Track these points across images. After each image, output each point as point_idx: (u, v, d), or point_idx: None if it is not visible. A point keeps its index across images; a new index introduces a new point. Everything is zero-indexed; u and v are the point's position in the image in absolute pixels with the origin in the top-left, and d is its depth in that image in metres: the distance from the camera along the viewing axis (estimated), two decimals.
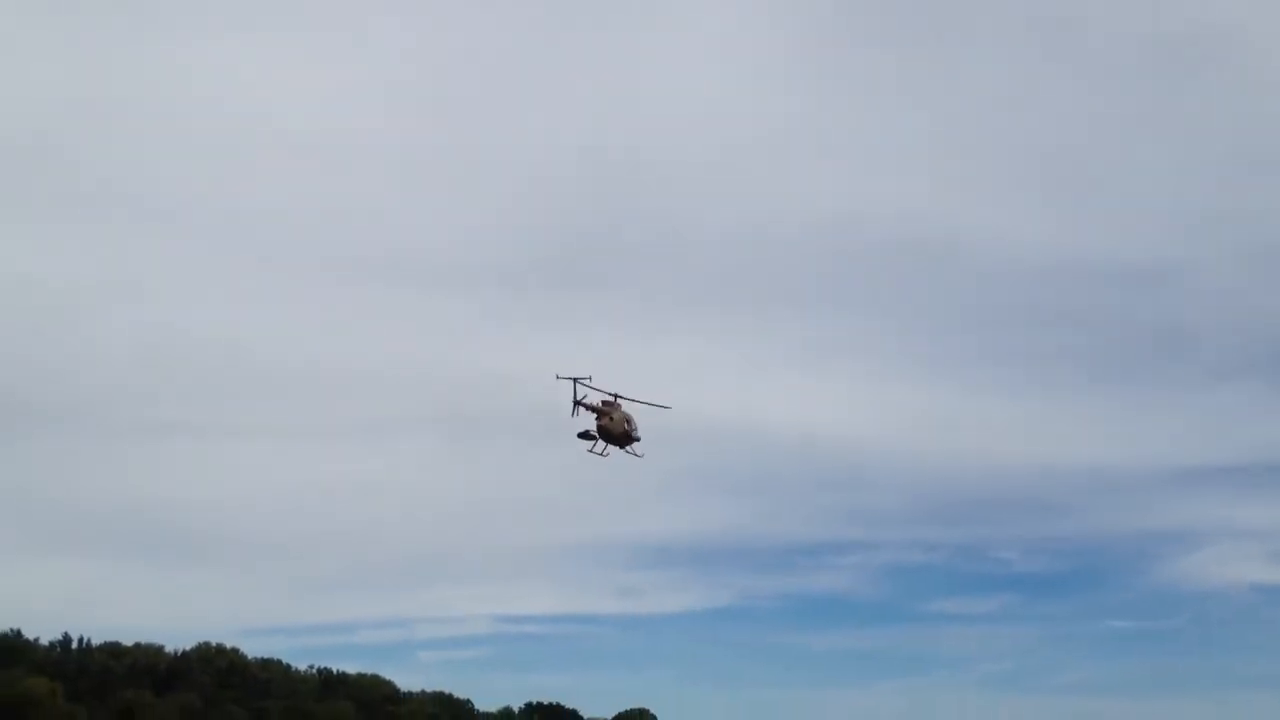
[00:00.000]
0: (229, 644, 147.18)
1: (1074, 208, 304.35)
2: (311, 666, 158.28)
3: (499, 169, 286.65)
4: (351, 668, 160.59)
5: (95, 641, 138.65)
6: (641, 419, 55.56)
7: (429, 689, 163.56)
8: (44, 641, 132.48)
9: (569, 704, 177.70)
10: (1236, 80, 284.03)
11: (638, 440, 55.20)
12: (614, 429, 54.10)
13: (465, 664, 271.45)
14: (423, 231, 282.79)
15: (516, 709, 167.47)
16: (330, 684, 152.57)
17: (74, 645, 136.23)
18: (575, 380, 52.79)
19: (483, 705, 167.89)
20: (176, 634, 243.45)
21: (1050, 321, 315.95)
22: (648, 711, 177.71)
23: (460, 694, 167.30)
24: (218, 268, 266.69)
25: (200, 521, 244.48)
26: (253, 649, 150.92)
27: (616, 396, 54.72)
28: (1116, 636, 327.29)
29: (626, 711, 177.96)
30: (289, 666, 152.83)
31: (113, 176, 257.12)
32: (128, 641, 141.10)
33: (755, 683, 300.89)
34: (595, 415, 53.94)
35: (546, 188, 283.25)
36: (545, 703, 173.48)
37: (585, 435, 54.50)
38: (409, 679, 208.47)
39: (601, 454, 55.32)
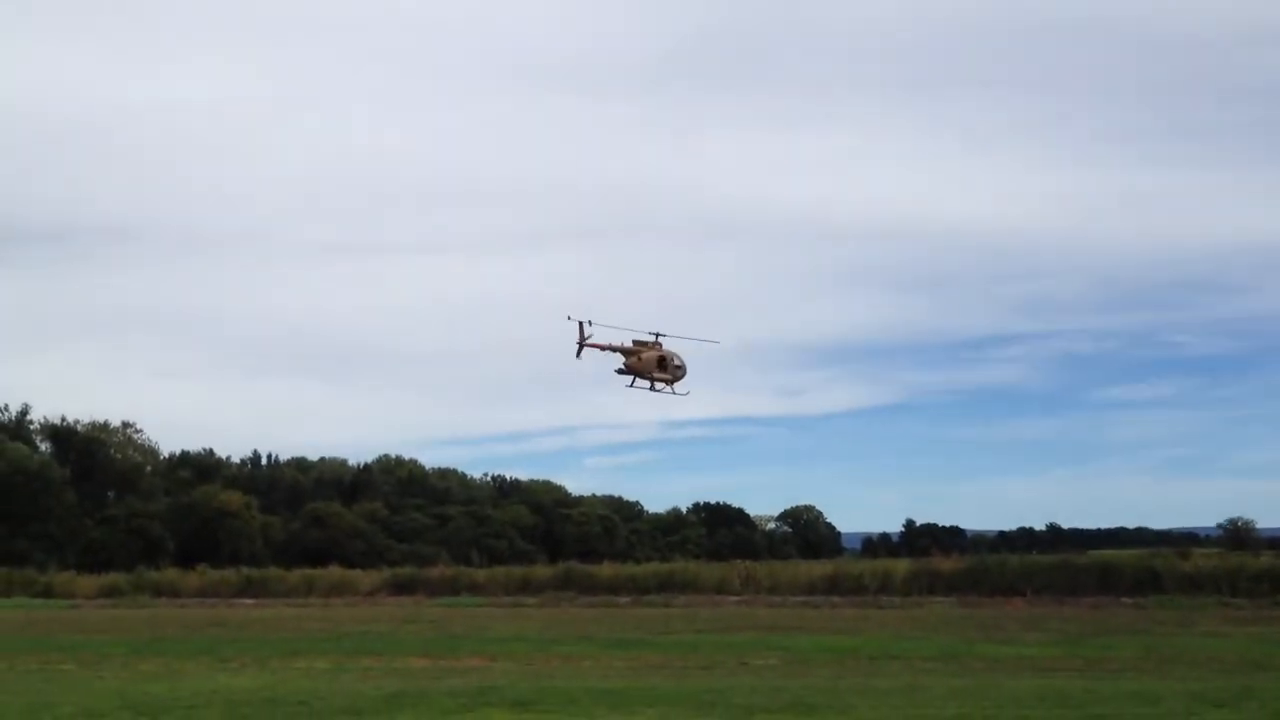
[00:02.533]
0: (408, 455, 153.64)
1: None
2: (486, 475, 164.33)
3: None
4: (524, 476, 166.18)
5: (283, 458, 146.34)
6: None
7: (599, 493, 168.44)
8: (235, 459, 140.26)
9: (735, 504, 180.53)
10: None
11: (679, 378, 54.24)
12: (641, 368, 53.68)
13: (633, 469, 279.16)
14: (574, 36, 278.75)
15: (685, 509, 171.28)
16: (505, 490, 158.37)
17: (263, 462, 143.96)
18: (582, 323, 51.62)
19: (652, 507, 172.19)
20: (358, 448, 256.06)
21: (1234, 92, 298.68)
22: (813, 508, 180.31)
23: (630, 496, 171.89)
24: (366, 80, 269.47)
25: (372, 340, 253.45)
26: (430, 460, 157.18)
27: (658, 336, 53.56)
28: None
29: (792, 508, 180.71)
30: (465, 475, 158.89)
31: None
32: (313, 457, 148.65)
33: (922, 477, 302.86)
34: (623, 355, 52.81)
35: None
36: (712, 503, 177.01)
37: (622, 372, 53.49)
38: (579, 483, 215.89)
39: (650, 388, 54.39)
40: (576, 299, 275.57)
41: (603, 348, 53.20)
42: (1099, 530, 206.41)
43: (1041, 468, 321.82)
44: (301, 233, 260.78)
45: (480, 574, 71.65)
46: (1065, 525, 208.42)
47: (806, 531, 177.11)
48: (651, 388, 54.40)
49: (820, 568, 70.49)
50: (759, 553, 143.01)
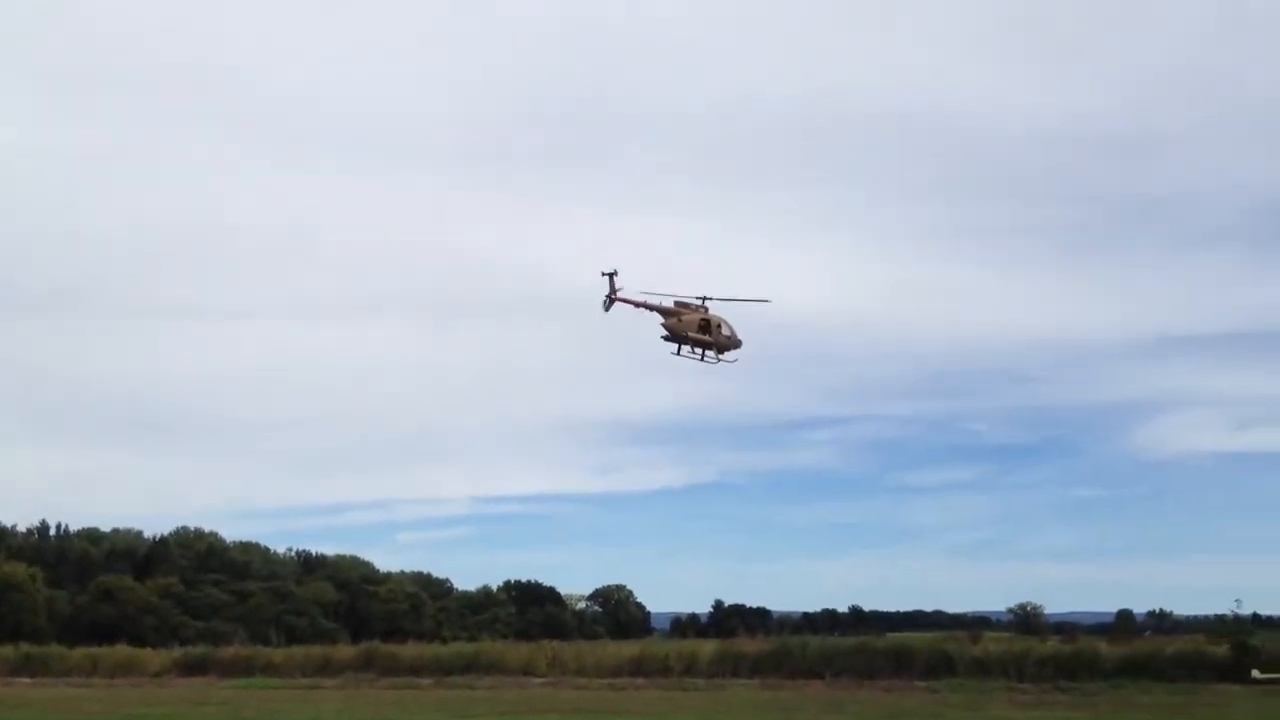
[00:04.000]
0: (208, 528, 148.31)
1: (1059, 74, 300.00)
2: (290, 549, 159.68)
3: (480, 40, 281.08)
4: (330, 550, 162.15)
5: (73, 528, 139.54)
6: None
7: (408, 569, 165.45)
8: (21, 529, 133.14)
9: (547, 582, 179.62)
10: None
11: (727, 346, 51.82)
12: (681, 329, 50.79)
13: (444, 544, 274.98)
14: (400, 104, 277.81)
15: (495, 587, 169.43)
16: (310, 566, 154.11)
17: (52, 532, 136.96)
18: (612, 275, 49.05)
19: (462, 584, 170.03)
20: (155, 519, 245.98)
21: (1029, 191, 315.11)
22: (624, 587, 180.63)
23: (439, 574, 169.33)
24: (196, 145, 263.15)
25: (174, 406, 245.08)
26: (232, 533, 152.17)
27: (704, 299, 50.76)
28: (1082, 504, 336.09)
29: (604, 588, 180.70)
30: (268, 549, 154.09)
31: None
32: (105, 528, 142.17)
33: (732, 557, 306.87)
34: (661, 315, 50.24)
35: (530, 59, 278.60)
36: (524, 580, 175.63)
37: (667, 338, 51.07)
38: (388, 560, 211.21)
39: (699, 358, 51.70)
40: (398, 370, 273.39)
41: (636, 304, 50.03)
42: (899, 613, 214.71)
43: (847, 550, 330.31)
44: (103, 295, 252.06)
45: (277, 654, 69.18)
46: (867, 607, 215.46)
47: (617, 611, 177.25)
48: (701, 357, 51.32)
49: (628, 648, 70.25)
50: (569, 632, 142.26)
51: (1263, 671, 51.62)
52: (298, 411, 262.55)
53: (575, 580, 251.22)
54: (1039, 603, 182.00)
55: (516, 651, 66.41)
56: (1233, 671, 52.06)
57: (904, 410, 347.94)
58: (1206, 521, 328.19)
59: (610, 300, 49.77)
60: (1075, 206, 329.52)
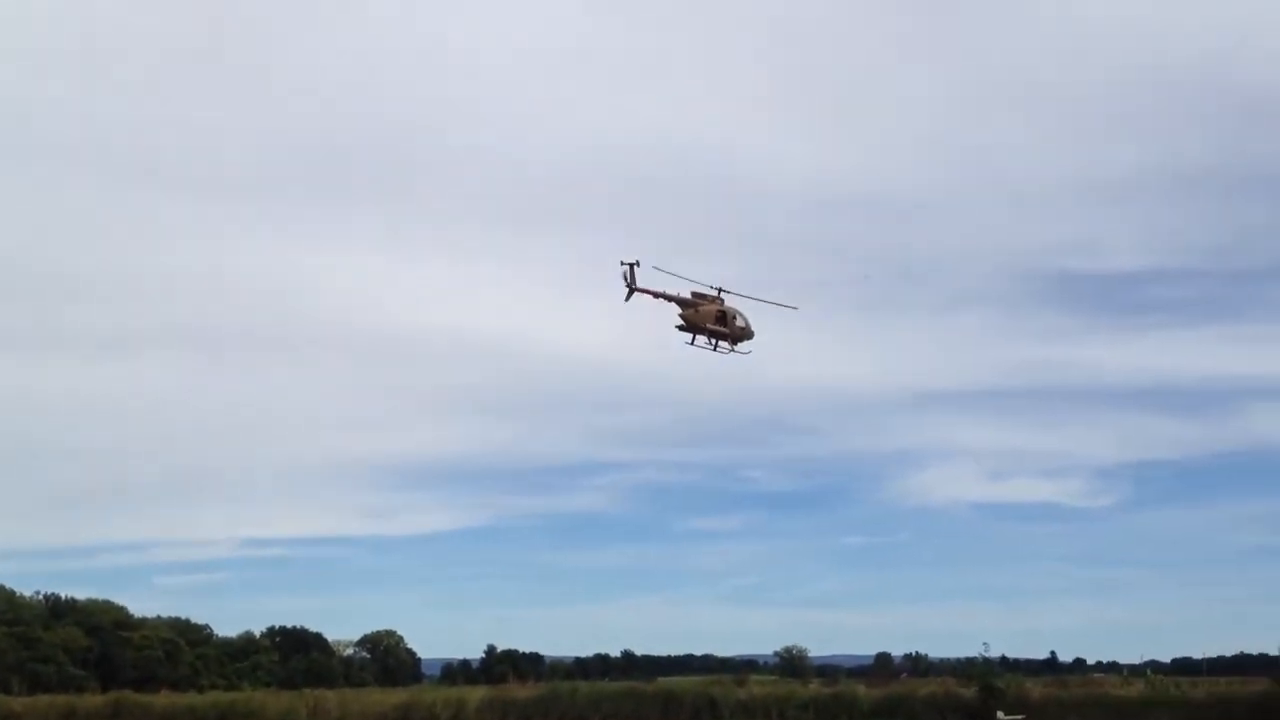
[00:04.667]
0: None
1: (837, 136, 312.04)
2: (37, 592, 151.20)
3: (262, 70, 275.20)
4: (81, 594, 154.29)
5: None
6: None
7: (165, 615, 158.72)
8: None
9: (314, 628, 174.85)
10: (1010, 12, 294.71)
11: (741, 337, 52.35)
12: (699, 320, 51.53)
13: (205, 589, 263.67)
14: (170, 133, 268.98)
15: (258, 633, 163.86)
16: (58, 610, 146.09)
17: None
18: (631, 265, 49.28)
19: (223, 630, 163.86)
20: None
21: (807, 248, 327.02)
22: (395, 633, 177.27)
23: (199, 619, 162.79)
24: None
25: None
26: None
27: (720, 291, 51.55)
28: (848, 550, 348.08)
29: (373, 634, 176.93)
30: (14, 592, 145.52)
31: None
32: None
33: (507, 602, 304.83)
34: (679, 306, 50.90)
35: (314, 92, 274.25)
36: (288, 626, 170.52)
37: (682, 328, 51.88)
38: (144, 605, 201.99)
39: (712, 349, 52.26)
40: (158, 406, 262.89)
41: (656, 294, 50.29)
42: (670, 656, 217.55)
43: (621, 594, 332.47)
44: None
45: (18, 703, 65.61)
46: (640, 651, 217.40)
47: (386, 658, 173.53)
48: (714, 347, 51.78)
49: (394, 696, 69.12)
50: (335, 680, 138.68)
51: (1007, 714, 54.41)
52: (48, 447, 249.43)
53: (343, 626, 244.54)
54: (804, 646, 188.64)
55: (277, 700, 64.59)
56: (980, 713, 54.70)
57: (682, 457, 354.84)
58: (961, 567, 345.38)
59: (630, 290, 50.23)
60: (850, 264, 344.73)
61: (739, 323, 52.60)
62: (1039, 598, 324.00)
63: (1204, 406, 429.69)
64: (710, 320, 51.78)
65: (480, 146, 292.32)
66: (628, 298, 50.00)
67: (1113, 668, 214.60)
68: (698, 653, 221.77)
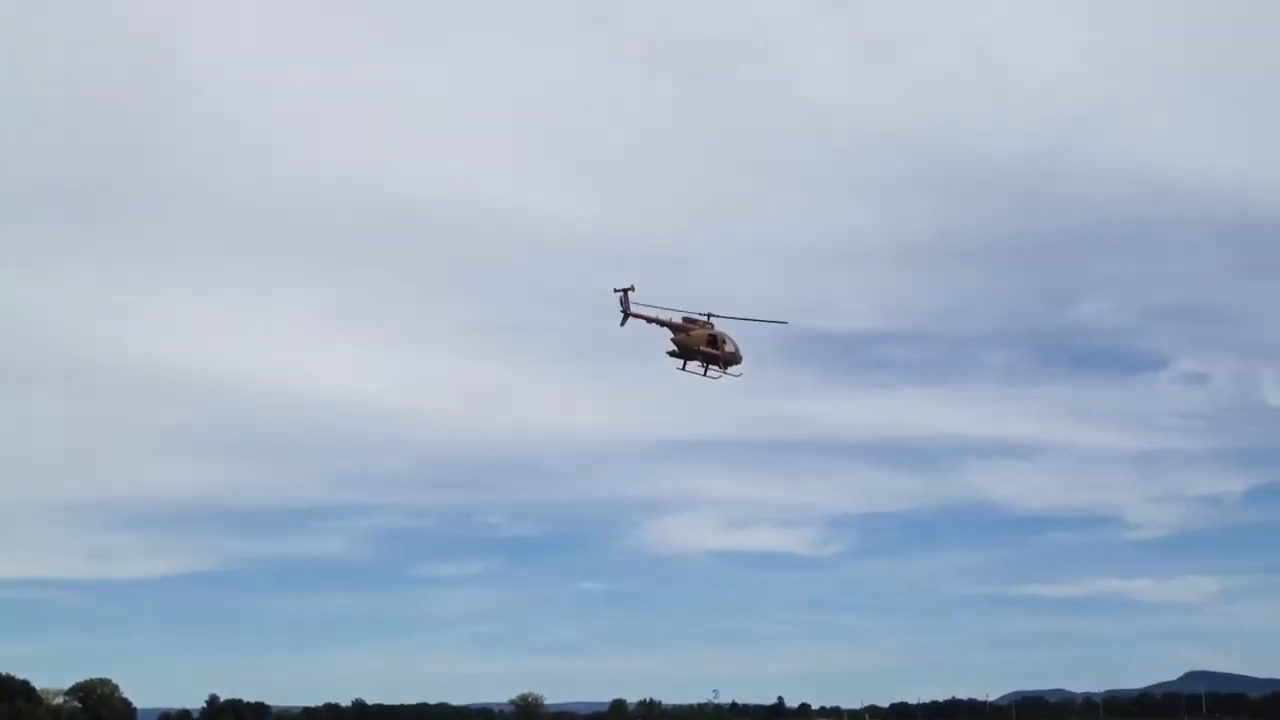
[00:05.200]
0: None
1: (590, 192, 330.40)
2: None
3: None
4: None
5: None
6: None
7: None
8: None
9: (20, 675, 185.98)
10: (754, 83, 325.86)
11: (735, 360, 51.81)
12: (690, 344, 51.21)
13: None
14: None
15: None
16: None
17: None
18: (625, 291, 49.29)
19: None
20: None
21: (553, 296, 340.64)
22: (109, 681, 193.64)
23: None
24: None
25: None
26: None
27: (709, 316, 51.69)
28: (587, 597, 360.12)
29: (85, 681, 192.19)
30: None
31: None
32: None
33: (232, 649, 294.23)
34: (671, 330, 50.90)
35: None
36: None
37: (674, 354, 51.85)
38: None
39: (703, 374, 51.56)
40: None
41: (649, 319, 49.48)
42: (404, 705, 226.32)
43: (354, 642, 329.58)
44: None
45: None
46: (371, 700, 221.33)
47: (99, 707, 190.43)
48: (704, 373, 51.14)
49: None
50: None
51: None
52: None
53: (54, 673, 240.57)
54: (540, 693, 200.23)
55: None
56: None
57: (422, 501, 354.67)
58: (697, 614, 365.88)
59: (626, 315, 50.79)
60: (591, 313, 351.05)
61: (729, 347, 53.50)
62: (770, 643, 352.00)
63: (928, 462, 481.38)
64: (703, 343, 53.04)
65: (240, 186, 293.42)
66: (623, 323, 50.40)
67: (834, 712, 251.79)
68: (432, 701, 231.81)
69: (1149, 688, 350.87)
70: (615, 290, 50.19)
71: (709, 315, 53.21)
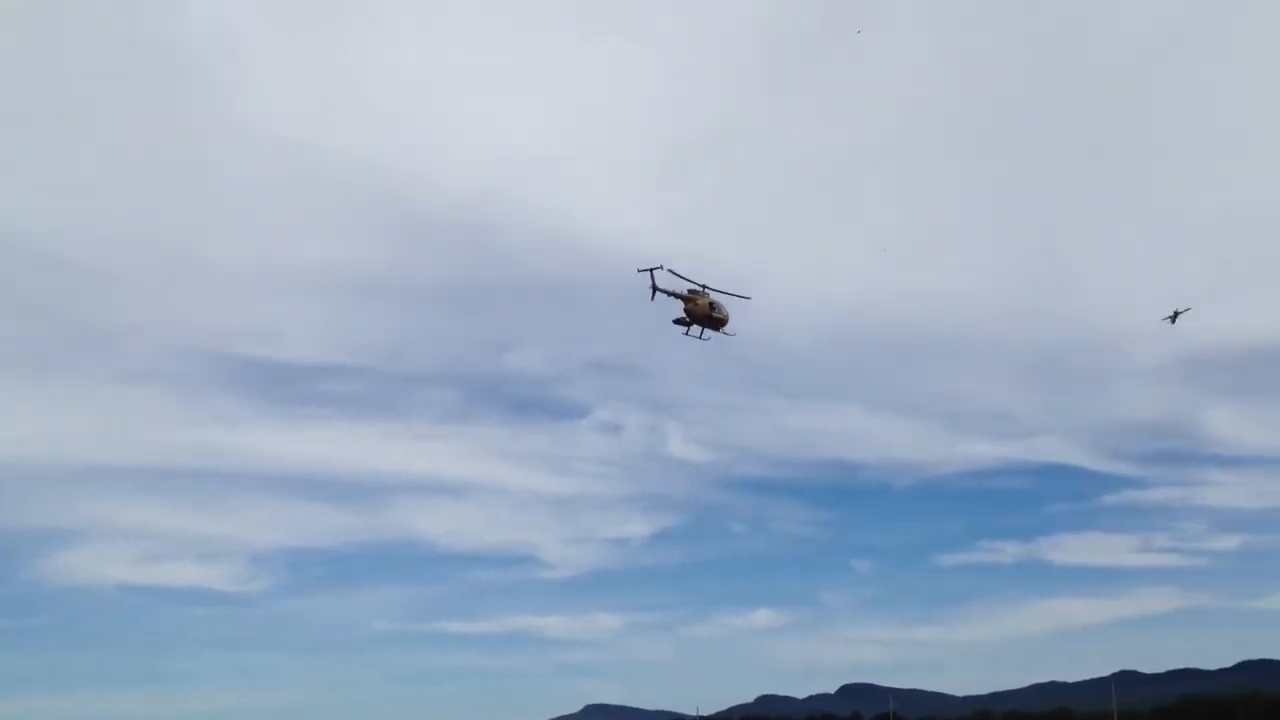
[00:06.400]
0: None
1: None
2: None
3: None
4: None
5: None
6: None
7: None
8: None
9: None
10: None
11: (725, 321, 57.21)
12: (698, 310, 56.10)
13: None
14: None
15: None
16: None
17: None
18: (652, 270, 54.09)
19: None
20: None
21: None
22: None
23: None
24: None
25: None
26: None
27: (705, 287, 57.12)
28: None
29: None
30: None
31: None
32: None
33: None
34: (682, 300, 56.20)
35: None
36: None
37: (679, 321, 56.74)
38: None
39: (699, 337, 56.95)
40: None
41: (670, 293, 57.40)
42: None
43: None
44: None
45: None
46: None
47: None
48: (700, 336, 58.40)
49: None
50: None
51: None
52: None
53: None
54: None
55: None
56: None
57: None
58: (107, 652, 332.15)
59: (654, 290, 56.03)
60: (32, 325, 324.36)
61: (723, 313, 60.65)
62: (188, 683, 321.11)
63: (360, 497, 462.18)
64: (707, 310, 59.80)
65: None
66: (653, 297, 56.41)
67: None
68: None
69: None
70: (639, 270, 58.29)
71: (704, 287, 62.86)
